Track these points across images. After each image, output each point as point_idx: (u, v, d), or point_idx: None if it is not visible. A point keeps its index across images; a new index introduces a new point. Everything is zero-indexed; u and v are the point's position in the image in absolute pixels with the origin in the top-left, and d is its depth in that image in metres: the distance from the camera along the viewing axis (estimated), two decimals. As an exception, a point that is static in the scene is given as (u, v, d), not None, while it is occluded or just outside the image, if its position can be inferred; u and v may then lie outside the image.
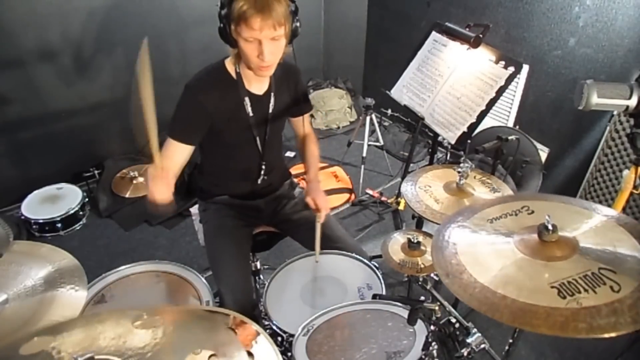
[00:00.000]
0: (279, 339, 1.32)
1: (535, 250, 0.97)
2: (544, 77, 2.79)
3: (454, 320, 1.17)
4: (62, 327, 0.97)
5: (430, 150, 2.28)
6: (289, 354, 1.21)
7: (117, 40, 3.03)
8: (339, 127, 4.14)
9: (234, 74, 1.52)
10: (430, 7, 3.38)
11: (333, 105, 4.12)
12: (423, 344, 1.16)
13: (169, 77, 3.14)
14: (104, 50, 3.02)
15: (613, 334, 0.76)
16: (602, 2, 2.39)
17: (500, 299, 0.87)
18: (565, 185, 2.83)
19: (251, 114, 1.56)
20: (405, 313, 1.21)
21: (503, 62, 1.77)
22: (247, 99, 1.54)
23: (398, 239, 1.49)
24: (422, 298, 1.15)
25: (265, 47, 1.34)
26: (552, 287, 0.87)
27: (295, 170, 2.78)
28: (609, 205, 1.55)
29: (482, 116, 1.77)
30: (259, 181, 1.72)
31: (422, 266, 1.38)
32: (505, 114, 3.03)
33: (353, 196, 3.23)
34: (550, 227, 0.96)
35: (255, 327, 1.12)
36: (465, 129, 1.81)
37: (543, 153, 2.77)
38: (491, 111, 1.78)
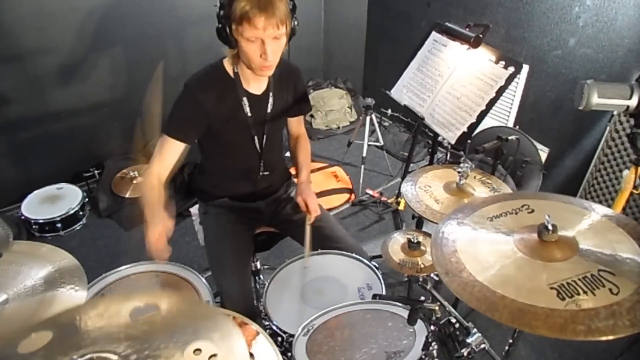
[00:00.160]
0: (279, 339, 1.32)
1: (535, 250, 0.97)
2: (544, 77, 2.78)
3: (454, 320, 1.17)
4: (58, 320, 0.95)
5: (430, 150, 2.28)
6: (289, 354, 1.21)
7: (117, 40, 3.03)
8: (339, 127, 4.13)
9: (232, 74, 1.52)
10: (430, 7, 3.38)
11: (333, 105, 4.12)
12: (423, 344, 1.16)
13: (167, 76, 3.12)
14: (104, 50, 3.02)
15: (611, 337, 0.76)
16: (602, 2, 2.39)
17: (500, 299, 0.87)
18: (565, 185, 2.83)
19: (249, 114, 1.56)
20: (405, 313, 1.21)
21: (503, 62, 1.76)
22: (245, 99, 1.54)
23: (398, 239, 1.49)
24: (422, 298, 1.15)
25: (268, 47, 1.34)
26: (551, 288, 0.87)
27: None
28: (609, 206, 1.56)
29: (482, 116, 1.77)
30: (258, 178, 1.71)
31: (422, 266, 1.38)
32: (505, 114, 3.03)
33: (353, 196, 3.22)
34: (550, 227, 0.96)
35: (255, 327, 1.12)
36: (465, 129, 1.80)
37: (543, 153, 2.77)
38: (491, 111, 1.77)
